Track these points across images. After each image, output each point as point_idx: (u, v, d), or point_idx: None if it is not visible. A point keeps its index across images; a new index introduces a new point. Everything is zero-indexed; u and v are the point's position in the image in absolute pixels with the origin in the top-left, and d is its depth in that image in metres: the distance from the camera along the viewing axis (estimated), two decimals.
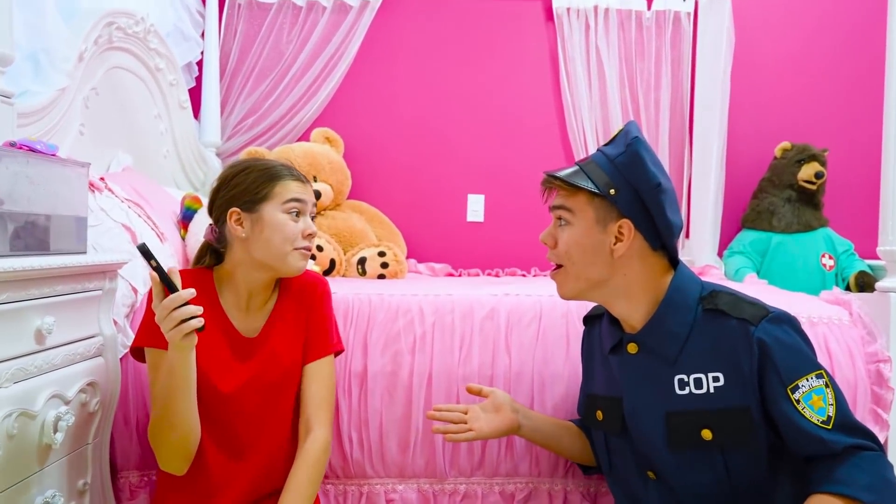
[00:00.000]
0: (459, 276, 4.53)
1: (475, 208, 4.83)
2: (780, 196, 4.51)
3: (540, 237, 1.96)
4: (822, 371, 1.74)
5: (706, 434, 1.77)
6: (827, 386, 1.72)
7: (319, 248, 3.68)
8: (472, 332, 2.50)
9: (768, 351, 1.72)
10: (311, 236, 2.07)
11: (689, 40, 4.78)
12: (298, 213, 2.05)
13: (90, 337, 2.07)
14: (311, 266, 3.47)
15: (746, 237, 4.56)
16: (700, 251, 4.42)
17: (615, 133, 1.91)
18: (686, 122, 4.75)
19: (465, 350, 2.47)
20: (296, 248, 2.03)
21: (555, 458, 2.42)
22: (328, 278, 3.53)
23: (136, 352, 2.05)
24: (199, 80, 4.55)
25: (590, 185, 1.82)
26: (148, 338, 1.96)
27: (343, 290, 2.57)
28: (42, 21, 2.73)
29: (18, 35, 2.49)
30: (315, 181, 4.08)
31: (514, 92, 4.85)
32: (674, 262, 1.91)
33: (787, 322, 1.78)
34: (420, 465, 2.41)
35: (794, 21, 4.84)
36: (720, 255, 4.61)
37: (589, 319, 2.20)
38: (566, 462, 2.42)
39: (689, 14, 4.76)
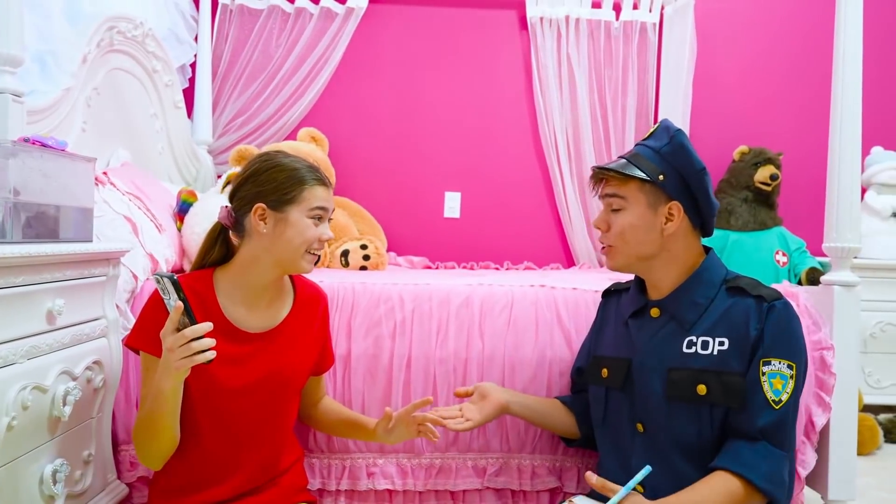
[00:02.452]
0: (436, 268, 4.61)
1: (452, 205, 4.92)
2: (738, 196, 4.61)
3: (593, 222, 2.14)
4: (795, 366, 1.88)
5: (701, 389, 1.91)
6: (792, 378, 1.87)
7: None
8: (449, 318, 2.57)
9: (770, 322, 1.89)
10: (326, 242, 2.07)
11: (654, 50, 4.88)
12: (320, 219, 2.04)
13: (95, 319, 2.14)
14: None
15: None
16: None
17: (652, 129, 2.10)
18: (651, 126, 4.77)
19: (441, 335, 2.55)
20: (309, 252, 2.03)
21: (523, 435, 2.51)
22: (314, 268, 3.60)
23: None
24: (192, 81, 4.60)
25: (641, 174, 1.99)
26: (144, 341, 1.95)
27: (329, 279, 2.63)
28: (49, 24, 2.79)
29: (27, 37, 2.54)
30: None
31: (490, 96, 4.93)
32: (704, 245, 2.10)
33: (795, 314, 1.94)
34: (398, 442, 2.49)
35: (752, 33, 4.97)
36: None
37: (608, 293, 2.38)
38: (534, 439, 2.51)
39: (654, 25, 4.86)
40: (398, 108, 4.91)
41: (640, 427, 2.03)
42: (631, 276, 2.21)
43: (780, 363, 1.86)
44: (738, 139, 4.87)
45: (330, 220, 2.10)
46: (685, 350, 1.96)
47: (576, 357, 2.46)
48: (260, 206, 1.99)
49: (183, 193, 3.20)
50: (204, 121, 4.50)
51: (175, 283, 1.74)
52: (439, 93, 4.92)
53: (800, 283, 4.39)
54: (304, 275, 2.20)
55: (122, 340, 2.12)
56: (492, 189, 4.92)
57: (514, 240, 4.92)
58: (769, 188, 4.54)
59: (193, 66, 4.60)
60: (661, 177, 1.97)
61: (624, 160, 2.05)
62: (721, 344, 1.92)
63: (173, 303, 1.74)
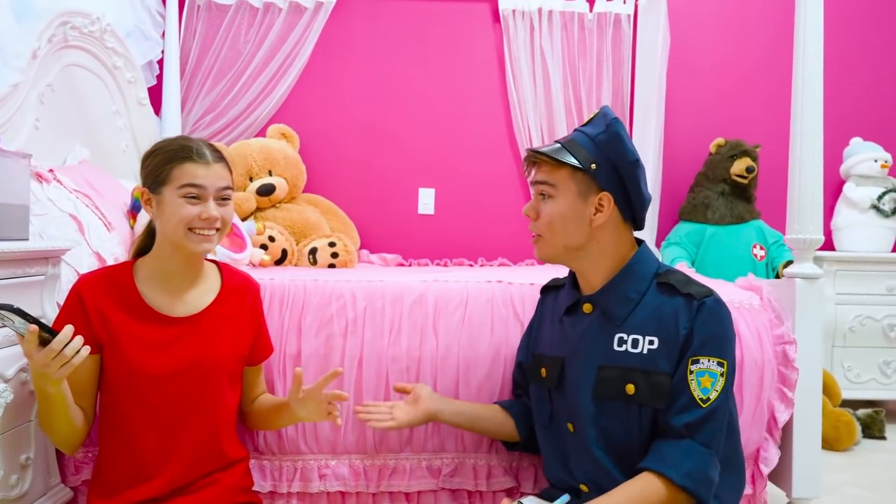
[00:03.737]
0: (409, 265, 4.59)
1: (426, 201, 4.90)
2: (714, 190, 4.59)
3: (523, 210, 2.08)
4: (726, 363, 1.85)
5: (630, 388, 1.88)
6: (722, 376, 1.84)
7: (272, 239, 3.71)
8: (402, 316, 2.53)
9: (700, 320, 1.85)
10: (209, 220, 2.00)
11: (629, 41, 4.86)
12: (197, 198, 1.98)
13: None
14: (263, 256, 3.49)
15: (683, 229, 4.63)
16: None
17: (591, 115, 2.04)
18: (626, 119, 4.78)
19: (394, 333, 2.50)
20: (191, 231, 1.99)
21: (479, 436, 2.46)
22: (280, 267, 3.58)
23: None
24: (160, 78, 4.55)
25: (573, 161, 1.94)
26: None
27: (281, 277, 2.60)
28: None
29: None
30: (271, 175, 4.12)
31: (463, 90, 4.91)
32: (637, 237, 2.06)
33: (726, 310, 1.90)
34: (351, 442, 2.45)
35: (725, 24, 4.95)
36: (658, 245, 4.70)
37: (546, 289, 2.34)
38: (490, 439, 2.47)
39: (629, 16, 4.84)
40: (370, 104, 4.89)
41: (570, 427, 2.00)
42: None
43: (709, 361, 1.83)
44: (715, 131, 4.85)
45: (225, 199, 2.05)
46: (616, 348, 1.93)
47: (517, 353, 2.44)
48: (143, 190, 2.05)
49: (136, 191, 3.14)
50: (172, 118, 4.43)
51: (19, 311, 1.70)
52: (411, 88, 4.90)
53: (777, 276, 4.37)
54: (224, 262, 2.25)
55: None
56: (466, 185, 4.91)
57: (489, 236, 4.91)
58: (746, 181, 4.52)
59: (161, 62, 4.54)
60: (593, 165, 1.93)
61: (559, 145, 2.01)
62: (651, 343, 1.88)
63: (24, 329, 1.71)
